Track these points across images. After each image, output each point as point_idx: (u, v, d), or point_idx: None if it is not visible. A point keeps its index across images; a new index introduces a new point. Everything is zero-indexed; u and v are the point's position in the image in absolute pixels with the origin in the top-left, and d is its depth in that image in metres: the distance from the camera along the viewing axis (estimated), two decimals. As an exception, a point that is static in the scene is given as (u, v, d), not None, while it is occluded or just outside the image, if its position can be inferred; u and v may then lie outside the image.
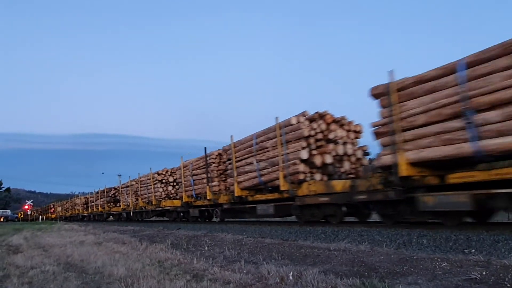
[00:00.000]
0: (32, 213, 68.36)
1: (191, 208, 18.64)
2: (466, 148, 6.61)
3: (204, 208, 17.58)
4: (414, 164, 7.51)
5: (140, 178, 25.39)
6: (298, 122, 11.16)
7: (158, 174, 22.85)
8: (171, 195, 22.10)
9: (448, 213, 7.66)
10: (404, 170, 7.51)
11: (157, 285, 4.36)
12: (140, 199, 24.79)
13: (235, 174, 13.82)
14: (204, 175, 16.84)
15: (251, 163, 13.01)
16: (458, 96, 6.72)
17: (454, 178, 7.16)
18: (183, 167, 19.51)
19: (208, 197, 16.35)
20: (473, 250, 5.50)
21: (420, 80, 7.51)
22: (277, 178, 11.51)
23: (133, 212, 26.05)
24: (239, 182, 13.70)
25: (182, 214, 20.36)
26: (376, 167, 8.63)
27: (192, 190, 18.32)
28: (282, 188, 11.32)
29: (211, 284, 4.30)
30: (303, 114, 11.41)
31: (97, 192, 36.61)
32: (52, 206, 65.10)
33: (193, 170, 18.42)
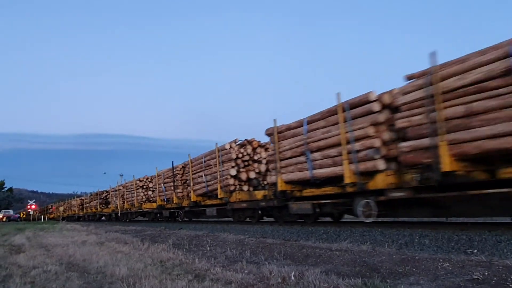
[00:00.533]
0: (35, 213, 68.53)
1: (163, 210, 22.21)
2: (308, 174, 10.30)
3: (172, 210, 21.24)
4: (286, 182, 11.20)
5: (126, 183, 29.22)
6: (230, 147, 15.00)
7: (140, 181, 26.11)
8: (151, 199, 24.74)
9: (305, 214, 11.65)
10: (280, 186, 11.22)
11: (159, 285, 4.36)
12: (126, 202, 28.31)
13: (192, 184, 17.85)
14: (172, 184, 20.45)
15: (201, 176, 16.96)
16: (303, 141, 10.40)
17: (306, 192, 10.87)
18: (157, 176, 22.92)
19: (174, 201, 19.99)
20: (475, 251, 5.48)
21: (288, 128, 11.26)
22: (217, 189, 15.37)
23: (120, 213, 29.92)
24: (194, 190, 17.62)
25: (158, 214, 23.72)
26: (270, 184, 12.53)
27: (164, 195, 21.91)
28: (219, 196, 15.23)
29: (213, 284, 4.30)
30: (234, 141, 15.16)
31: (91, 195, 40.21)
32: (50, 207, 68.99)
33: (164, 179, 21.94)
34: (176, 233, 12.14)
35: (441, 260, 4.56)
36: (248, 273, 4.78)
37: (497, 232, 6.53)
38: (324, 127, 9.95)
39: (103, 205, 35.32)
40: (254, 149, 14.89)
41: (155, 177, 23.37)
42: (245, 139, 15.11)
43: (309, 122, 10.45)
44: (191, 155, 18.36)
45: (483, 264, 4.22)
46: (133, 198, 26.51)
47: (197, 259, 6.03)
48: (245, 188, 14.67)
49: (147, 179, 25.75)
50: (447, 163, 6.83)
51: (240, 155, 14.73)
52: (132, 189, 27.00)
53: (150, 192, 24.99)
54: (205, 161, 16.78)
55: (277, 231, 10.41)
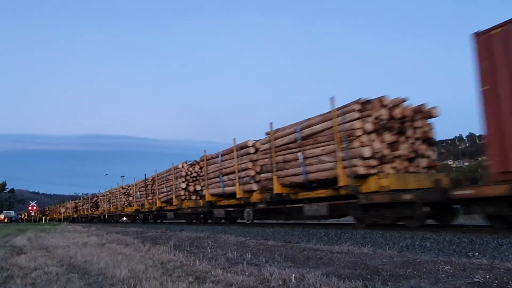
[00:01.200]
0: (36, 214, 68.69)
1: (139, 213, 27.56)
2: (221, 190, 15.69)
3: (145, 213, 26.71)
4: (211, 195, 16.55)
5: (112, 190, 34.51)
6: (182, 167, 19.94)
7: (122, 188, 31.58)
8: (132, 203, 29.03)
9: (222, 217, 16.29)
10: (207, 197, 16.65)
11: (159, 286, 4.36)
12: (111, 205, 33.45)
13: (157, 193, 23.06)
14: (144, 192, 25.68)
15: (163, 188, 22.18)
16: (218, 168, 15.89)
17: (221, 203, 16.06)
18: (135, 185, 28.24)
19: (146, 206, 25.27)
20: (477, 253, 5.48)
21: (212, 157, 16.83)
22: (173, 198, 20.48)
23: (107, 215, 34.83)
24: (159, 198, 22.79)
25: (136, 217, 28.83)
26: (201, 196, 18.10)
27: (139, 201, 26.92)
28: (174, 203, 20.31)
29: (213, 286, 4.30)
30: (185, 162, 20.14)
31: (84, 199, 46.54)
32: (47, 209, 74.10)
33: (140, 188, 26.87)
34: (177, 234, 12.13)
35: (442, 263, 4.55)
36: (249, 275, 4.78)
37: (498, 235, 6.52)
38: (228, 160, 15.40)
39: (94, 208, 40.00)
40: (201, 167, 18.80)
41: (133, 186, 28.68)
42: (194, 160, 20.03)
43: (222, 155, 15.92)
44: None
45: (485, 267, 4.21)
46: (117, 203, 31.65)
47: (198, 261, 6.03)
48: (193, 197, 19.34)
49: (128, 187, 30.56)
50: (276, 188, 12.03)
51: (189, 172, 19.71)
52: (116, 195, 32.25)
53: (130, 198, 29.73)
54: (165, 176, 22.11)
55: (278, 233, 10.40)
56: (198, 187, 19.10)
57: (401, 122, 9.81)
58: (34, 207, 66.08)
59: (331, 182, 10.14)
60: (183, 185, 19.38)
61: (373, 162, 9.24)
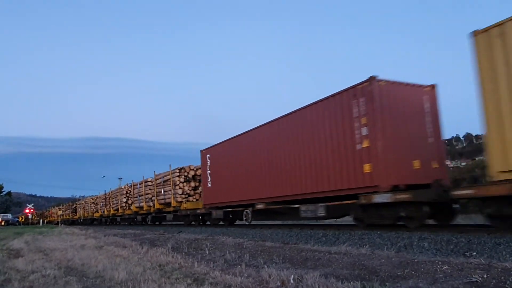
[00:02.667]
0: (33, 217, 68.48)
1: (102, 218, 37.01)
2: (138, 205, 27.35)
3: (105, 218, 35.79)
4: (136, 206, 27.88)
5: (85, 199, 46.05)
6: (124, 188, 29.89)
7: (92, 199, 41.47)
8: (99, 210, 37.99)
9: (143, 220, 27.40)
10: (133, 208, 28.13)
11: (158, 289, 4.35)
12: (85, 211, 43.79)
13: (111, 204, 33.51)
14: (104, 202, 35.61)
15: (115, 200, 32.47)
16: (137, 191, 27.53)
17: (141, 212, 27.09)
18: (98, 197, 38.80)
19: (105, 213, 35.27)
20: (474, 253, 5.49)
21: (133, 185, 28.40)
22: (118, 208, 31.00)
23: (82, 219, 44.44)
24: (112, 207, 33.04)
25: (100, 220, 37.99)
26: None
27: (102, 208, 36.74)
28: (172, 205, 21.71)
29: (211, 288, 4.29)
30: (127, 184, 30.00)
31: (66, 205, 57.73)
32: (45, 212, 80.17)
33: (102, 199, 37.00)
34: (175, 236, 12.11)
35: (440, 263, 4.56)
36: (247, 276, 4.78)
37: (496, 235, 6.54)
38: (139, 187, 27.19)
39: (74, 213, 50.53)
40: (132, 189, 28.62)
41: (98, 197, 38.26)
42: (133, 181, 28.39)
43: (139, 183, 27.07)
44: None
45: (482, 266, 4.22)
46: (89, 209, 41.80)
47: (196, 263, 6.02)
48: (191, 199, 20.61)
49: (97, 197, 38.93)
50: (156, 205, 23.46)
51: (128, 191, 29.04)
52: (88, 203, 42.86)
53: (98, 206, 38.37)
54: (115, 193, 32.07)
55: (276, 234, 10.40)
56: (130, 202, 29.09)
57: (196, 177, 20.73)
58: (31, 210, 66.02)
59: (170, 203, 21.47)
60: (124, 199, 29.94)
61: (183, 196, 20.48)
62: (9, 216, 64.59)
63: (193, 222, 19.88)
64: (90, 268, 6.20)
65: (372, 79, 9.47)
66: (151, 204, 24.17)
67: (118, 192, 30.98)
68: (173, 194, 20.60)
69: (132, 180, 28.65)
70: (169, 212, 22.07)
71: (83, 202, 44.41)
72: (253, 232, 11.56)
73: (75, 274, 5.76)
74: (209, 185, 17.48)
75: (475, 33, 7.32)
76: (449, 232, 7.33)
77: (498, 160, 6.84)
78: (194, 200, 20.19)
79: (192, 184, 20.43)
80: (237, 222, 16.79)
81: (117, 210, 31.08)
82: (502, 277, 3.76)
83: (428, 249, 6.20)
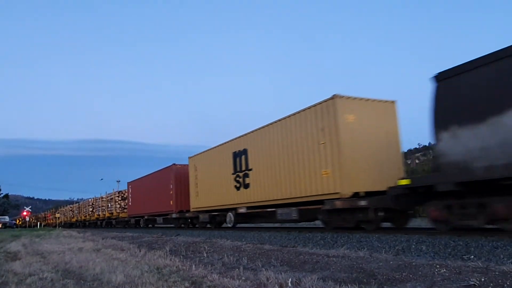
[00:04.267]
0: (31, 219, 68.43)
1: (86, 222, 42.79)
2: (108, 211, 35.23)
3: (84, 222, 43.65)
4: (108, 212, 35.87)
5: (65, 207, 57.35)
6: (90, 200, 41.37)
7: (70, 207, 52.39)
8: (75, 216, 47.48)
9: (116, 223, 34.11)
10: (106, 214, 35.25)
11: (155, 292, 4.34)
12: (65, 217, 53.58)
13: (97, 209, 38.89)
14: (91, 208, 40.07)
15: (97, 206, 38.63)
16: (107, 201, 35.95)
17: (121, 215, 32.68)
18: (82, 204, 45.68)
19: (92, 218, 39.92)
20: (472, 256, 5.49)
21: (107, 196, 36.46)
22: (100, 212, 37.82)
23: (63, 223, 53.58)
24: (95, 212, 38.70)
25: (79, 224, 45.79)
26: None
27: (86, 213, 42.14)
28: (101, 216, 35.72)
29: (209, 291, 4.28)
30: (93, 198, 40.77)
31: (50, 211, 70.02)
32: (43, 215, 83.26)
33: (86, 206, 42.70)
34: (173, 239, 12.09)
35: (438, 266, 4.57)
36: (245, 279, 4.77)
37: (493, 238, 6.55)
38: (108, 199, 35.54)
39: (55, 218, 58.04)
40: (110, 199, 34.79)
41: (81, 205, 46.03)
42: (113, 191, 35.43)
43: (113, 194, 35.13)
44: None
45: (480, 270, 4.23)
46: (67, 215, 51.70)
47: (194, 266, 6.01)
48: (125, 211, 31.21)
49: (80, 205, 46.89)
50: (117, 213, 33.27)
51: (122, 195, 33.30)
52: (67, 211, 53.16)
53: (71, 213, 49.22)
54: (110, 198, 35.95)
55: (274, 237, 10.39)
56: (94, 211, 38.04)
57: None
58: (25, 213, 66.23)
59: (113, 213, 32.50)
60: (90, 209, 39.88)
61: (120, 209, 31.74)
62: (6, 218, 64.37)
63: (125, 226, 30.81)
64: (87, 271, 6.18)
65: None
66: (105, 213, 35.06)
67: (86, 203, 43.14)
68: (115, 207, 32.46)
69: (106, 191, 38.15)
70: (114, 219, 33.13)
71: (63, 209, 56.93)
72: (251, 235, 11.55)
73: (72, 277, 5.74)
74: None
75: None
76: (447, 235, 7.34)
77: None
78: (125, 211, 30.79)
79: (125, 201, 31.10)
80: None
81: (86, 216, 42.11)
82: (500, 281, 3.76)
83: (426, 252, 6.21)
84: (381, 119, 10.87)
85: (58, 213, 58.59)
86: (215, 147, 17.03)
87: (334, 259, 5.82)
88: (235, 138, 15.39)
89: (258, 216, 14.69)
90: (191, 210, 18.90)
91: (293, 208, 11.86)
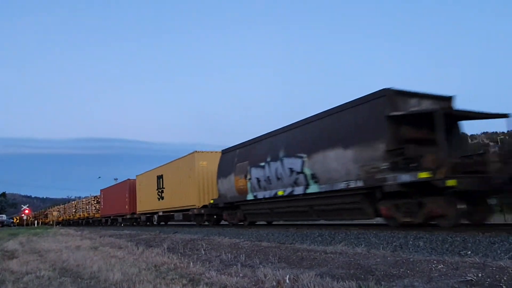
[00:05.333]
0: (28, 218, 68.46)
1: (70, 220, 50.06)
2: (89, 212, 43.68)
3: (69, 221, 51.13)
4: (86, 212, 44.33)
5: (52, 208, 61.76)
6: (73, 203, 51.83)
7: (57, 208, 57.91)
8: (61, 216, 53.53)
9: (104, 221, 37.70)
10: (86, 215, 43.78)
11: (153, 289, 4.33)
12: (53, 216, 54.94)
13: (79, 209, 47.50)
14: (74, 209, 48.29)
15: (79, 207, 47.29)
16: (88, 204, 43.44)
17: (96, 216, 40.36)
18: (65, 207, 55.36)
19: (75, 217, 48.05)
20: (469, 252, 5.50)
21: (91, 198, 43.08)
22: (82, 212, 45.76)
23: (51, 222, 54.56)
24: (78, 212, 47.19)
25: (65, 223, 51.83)
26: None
27: (69, 214, 49.96)
28: (86, 215, 42.68)
29: (207, 288, 4.28)
30: (76, 200, 52.24)
31: (39, 212, 76.71)
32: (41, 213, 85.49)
33: (69, 207, 51.64)
34: (171, 237, 12.08)
35: (435, 262, 4.57)
36: (243, 276, 4.77)
37: (490, 234, 6.57)
38: (87, 201, 43.44)
39: (44, 217, 66.67)
40: (90, 201, 41.35)
41: (64, 207, 54.41)
42: (96, 195, 40.57)
43: (92, 198, 42.76)
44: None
45: (477, 265, 4.23)
46: (55, 216, 54.59)
47: (191, 263, 6.01)
48: (99, 212, 37.72)
49: (65, 207, 53.94)
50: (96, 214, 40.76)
51: (92, 202, 40.63)
52: (55, 210, 57.45)
53: (62, 212, 54.58)
54: (88, 201, 42.58)
55: (272, 234, 10.39)
56: (76, 211, 45.56)
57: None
58: (27, 211, 66.52)
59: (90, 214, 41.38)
60: (74, 210, 46.58)
61: (95, 210, 39.11)
62: (3, 217, 64.23)
63: (98, 224, 37.22)
64: (85, 269, 6.17)
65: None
66: (84, 213, 42.47)
67: (70, 205, 51.06)
68: (91, 209, 39.78)
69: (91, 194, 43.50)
70: (91, 218, 40.32)
71: (51, 210, 62.62)
72: (249, 232, 11.55)
73: (70, 275, 5.72)
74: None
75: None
76: (444, 231, 7.36)
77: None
78: (99, 212, 37.23)
79: (99, 205, 37.43)
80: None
81: (70, 216, 49.31)
82: (497, 276, 3.77)
83: (423, 248, 6.22)
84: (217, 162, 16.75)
85: (47, 213, 67.03)
86: (149, 171, 25.29)
87: (331, 255, 5.82)
88: (159, 167, 23.58)
89: (168, 217, 23.26)
90: (137, 212, 27.02)
91: (180, 213, 20.12)
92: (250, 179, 13.55)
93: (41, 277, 5.61)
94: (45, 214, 67.13)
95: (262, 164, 12.84)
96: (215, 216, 17.77)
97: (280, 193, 11.98)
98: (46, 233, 20.41)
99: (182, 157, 19.68)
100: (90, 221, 41.08)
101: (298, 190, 11.16)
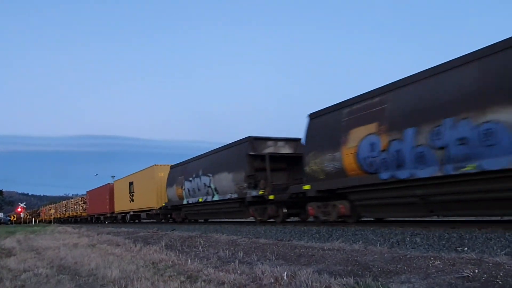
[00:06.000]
0: (25, 215, 68.34)
1: (57, 219, 52.21)
2: (75, 212, 48.84)
3: (60, 219, 52.67)
4: (74, 212, 49.12)
5: (45, 207, 65.66)
6: (64, 202, 54.71)
7: (49, 207, 60.44)
8: (53, 215, 54.48)
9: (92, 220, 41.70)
10: (74, 214, 48.29)
11: (151, 287, 4.34)
12: (45, 215, 60.92)
13: (68, 208, 51.26)
14: (65, 208, 51.45)
15: (69, 206, 50.64)
16: (76, 203, 47.71)
17: (83, 215, 44.77)
18: (56, 205, 57.98)
19: (65, 216, 50.74)
20: (466, 248, 5.53)
21: (78, 199, 49.05)
22: (62, 213, 53.84)
23: (43, 220, 59.36)
24: (65, 211, 51.77)
25: (56, 221, 51.52)
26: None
27: (60, 213, 53.15)
28: (74, 214, 46.52)
29: (205, 285, 4.29)
30: (66, 200, 54.68)
31: (32, 211, 76.08)
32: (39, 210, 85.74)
33: (61, 206, 54.29)
34: (169, 234, 12.08)
35: (432, 258, 4.59)
36: (240, 273, 4.78)
37: (487, 230, 6.60)
38: (75, 202, 48.35)
39: (38, 216, 66.58)
40: (78, 201, 45.70)
41: (55, 206, 56.63)
42: (82, 195, 47.32)
43: (79, 198, 48.23)
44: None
45: (474, 261, 4.26)
46: (48, 214, 58.37)
47: (189, 260, 6.02)
48: (86, 211, 42.00)
49: (56, 206, 56.22)
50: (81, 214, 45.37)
51: (80, 202, 44.63)
52: (48, 209, 59.32)
53: (54, 211, 55.77)
54: (76, 201, 47.03)
55: (270, 231, 10.41)
56: (66, 210, 48.50)
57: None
58: (19, 209, 66.50)
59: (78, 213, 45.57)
60: (64, 209, 49.22)
61: (82, 210, 43.12)
62: (1, 215, 64.10)
63: (85, 222, 40.80)
64: (82, 266, 6.17)
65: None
66: (73, 212, 46.02)
67: (61, 204, 53.97)
68: (79, 209, 43.50)
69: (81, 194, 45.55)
70: (79, 217, 43.92)
71: (44, 209, 66.27)
72: (247, 229, 11.57)
73: (67, 273, 5.72)
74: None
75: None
76: (441, 228, 7.39)
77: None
78: (86, 211, 41.22)
79: (86, 205, 41.23)
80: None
81: (61, 215, 51.88)
82: (493, 272, 3.79)
83: (420, 245, 6.25)
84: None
85: (39, 211, 69.76)
86: (123, 178, 29.76)
87: (329, 252, 5.84)
88: (130, 175, 27.87)
89: (137, 216, 27.75)
90: (115, 212, 31.34)
91: (145, 213, 24.69)
92: (184, 189, 18.51)
93: (39, 275, 5.60)
94: (37, 213, 69.49)
95: (191, 179, 18.00)
96: (168, 216, 22.57)
97: (200, 199, 16.97)
98: (43, 231, 20.37)
99: (146, 168, 24.95)
100: (78, 219, 45.17)
101: (209, 198, 16.23)
